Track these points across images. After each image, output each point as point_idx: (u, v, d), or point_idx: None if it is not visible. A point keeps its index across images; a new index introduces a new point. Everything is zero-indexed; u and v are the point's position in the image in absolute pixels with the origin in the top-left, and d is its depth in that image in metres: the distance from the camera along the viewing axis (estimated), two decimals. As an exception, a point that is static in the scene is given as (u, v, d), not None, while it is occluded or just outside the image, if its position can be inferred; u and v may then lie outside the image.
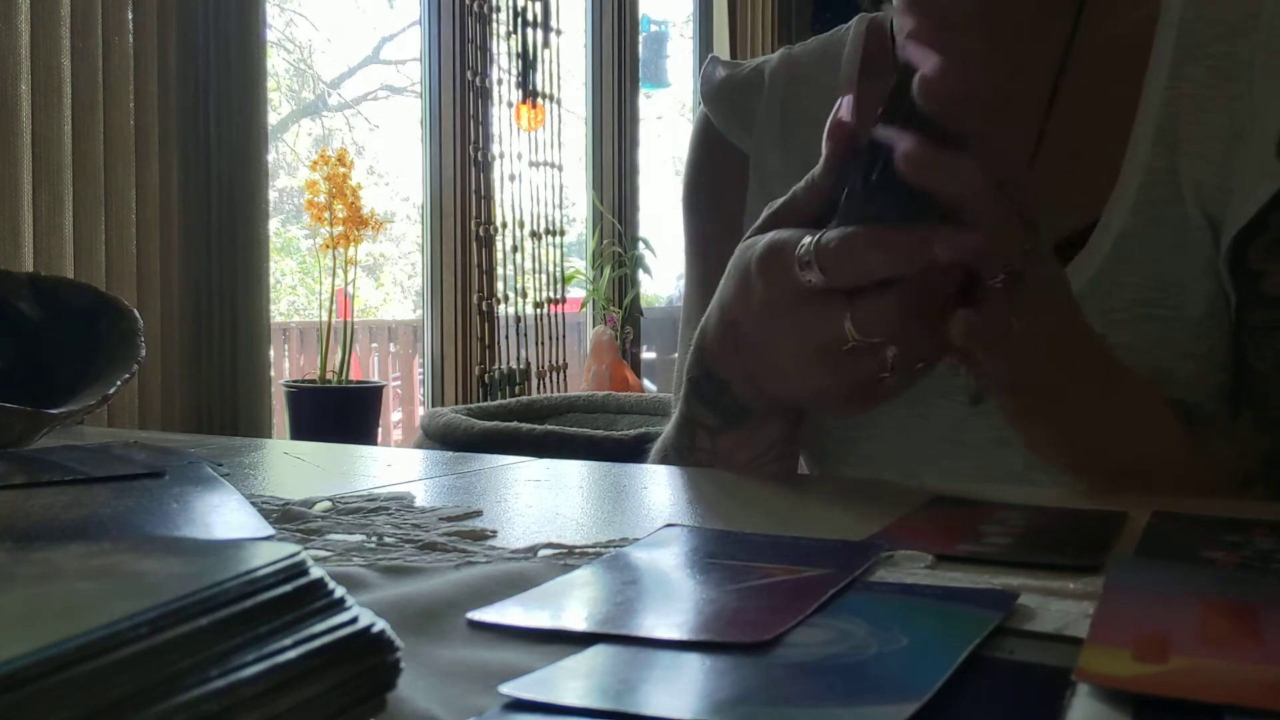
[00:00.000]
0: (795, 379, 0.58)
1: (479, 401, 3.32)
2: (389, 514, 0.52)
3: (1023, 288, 0.52)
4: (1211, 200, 0.69)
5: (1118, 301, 0.70)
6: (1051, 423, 0.62)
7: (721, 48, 4.56)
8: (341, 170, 2.77)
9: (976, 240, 0.50)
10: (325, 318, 2.87)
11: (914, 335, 0.53)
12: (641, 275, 4.34)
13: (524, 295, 3.74)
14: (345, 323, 2.90)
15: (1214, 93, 0.71)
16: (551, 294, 3.88)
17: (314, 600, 0.25)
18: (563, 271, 3.95)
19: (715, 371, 0.64)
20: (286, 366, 4.70)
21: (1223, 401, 0.70)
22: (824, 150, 0.59)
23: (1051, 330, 0.58)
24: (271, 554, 0.26)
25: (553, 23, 3.80)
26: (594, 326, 4.08)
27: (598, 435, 2.17)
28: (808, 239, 0.54)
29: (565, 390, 3.86)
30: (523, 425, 2.22)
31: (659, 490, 0.62)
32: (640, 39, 4.58)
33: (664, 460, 0.72)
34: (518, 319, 3.70)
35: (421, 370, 3.87)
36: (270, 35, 3.85)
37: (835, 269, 0.53)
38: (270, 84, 4.10)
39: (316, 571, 0.26)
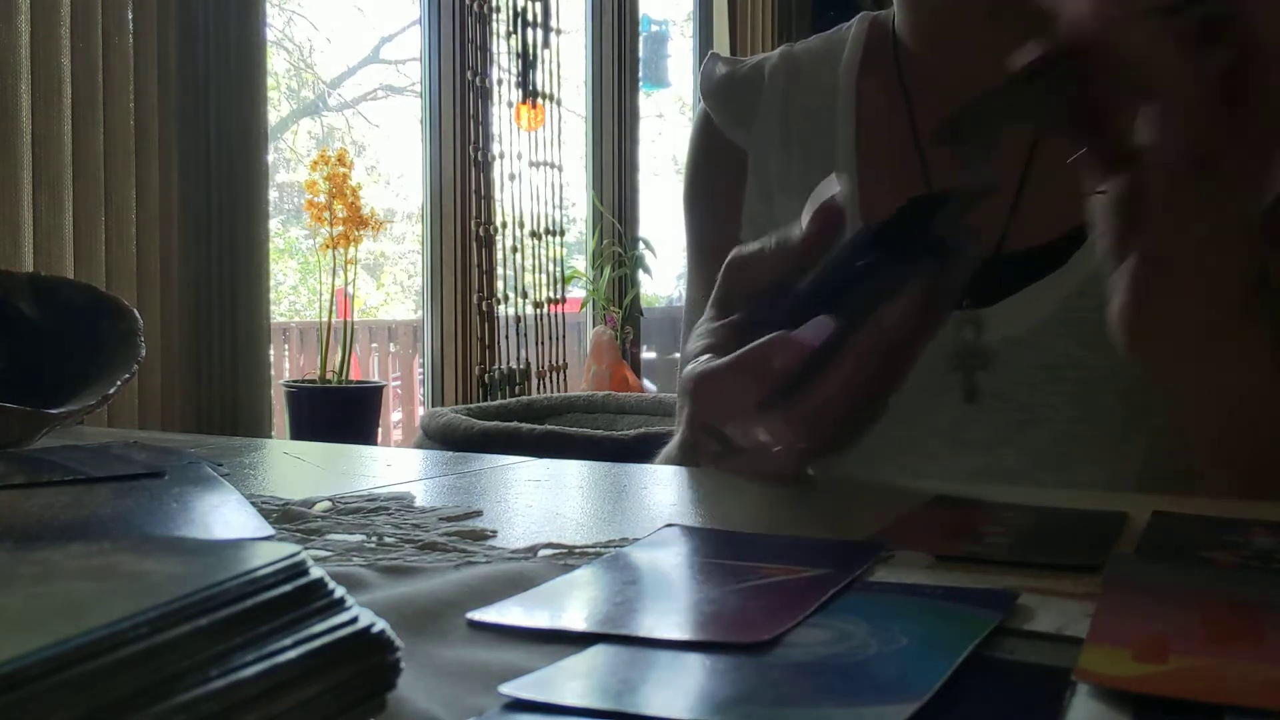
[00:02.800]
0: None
1: (479, 401, 3.32)
2: (389, 514, 0.52)
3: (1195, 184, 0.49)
4: None
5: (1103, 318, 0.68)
6: (1203, 367, 0.58)
7: (721, 47, 4.56)
8: (341, 170, 2.77)
9: (806, 346, 0.50)
10: (325, 318, 2.87)
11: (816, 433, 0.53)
12: (641, 275, 4.34)
13: (524, 295, 3.74)
14: (345, 323, 2.90)
15: None
16: (551, 294, 3.88)
17: (314, 600, 0.25)
18: (563, 271, 3.95)
19: None
20: (286, 366, 4.70)
21: None
22: (806, 225, 0.55)
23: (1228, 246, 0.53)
24: (271, 554, 0.26)
25: (553, 23, 3.80)
26: (594, 326, 4.08)
27: (598, 435, 2.17)
28: (686, 371, 0.55)
29: (565, 390, 3.86)
30: (523, 425, 2.22)
31: (659, 490, 0.62)
32: (640, 39, 4.58)
33: (678, 463, 0.71)
34: (518, 319, 3.70)
35: (421, 370, 3.87)
36: (270, 35, 3.85)
37: (700, 414, 0.55)
38: (270, 84, 4.10)
39: (316, 571, 0.26)
